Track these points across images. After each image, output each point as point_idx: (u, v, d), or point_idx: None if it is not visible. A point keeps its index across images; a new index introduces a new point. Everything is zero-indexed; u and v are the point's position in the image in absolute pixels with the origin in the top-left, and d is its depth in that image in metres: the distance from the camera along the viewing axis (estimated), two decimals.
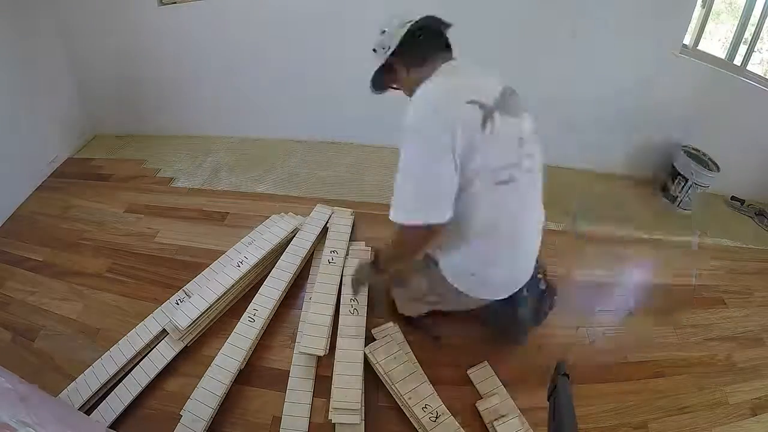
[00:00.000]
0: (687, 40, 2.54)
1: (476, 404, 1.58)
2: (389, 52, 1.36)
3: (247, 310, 1.77)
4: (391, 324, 1.81)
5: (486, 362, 1.72)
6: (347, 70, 2.67)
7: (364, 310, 1.79)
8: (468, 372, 1.69)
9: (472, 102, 1.18)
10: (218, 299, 1.78)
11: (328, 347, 1.66)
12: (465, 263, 1.38)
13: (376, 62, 1.45)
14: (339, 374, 1.58)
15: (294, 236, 2.11)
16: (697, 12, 2.46)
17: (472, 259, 1.37)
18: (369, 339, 1.74)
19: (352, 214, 2.31)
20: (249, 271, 1.90)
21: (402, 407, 1.56)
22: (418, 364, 1.67)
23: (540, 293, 1.60)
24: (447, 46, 1.43)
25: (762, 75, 2.60)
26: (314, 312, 1.77)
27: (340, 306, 1.81)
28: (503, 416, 1.53)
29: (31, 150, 2.58)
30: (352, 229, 2.24)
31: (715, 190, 2.78)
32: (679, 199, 2.65)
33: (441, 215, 1.20)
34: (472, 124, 1.17)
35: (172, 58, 2.73)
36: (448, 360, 1.73)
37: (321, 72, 2.70)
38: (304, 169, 2.76)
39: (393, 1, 2.42)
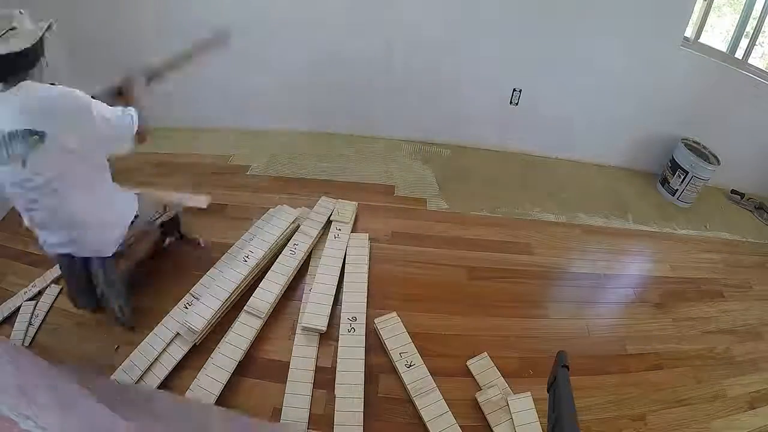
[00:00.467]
0: (688, 32, 2.53)
1: (476, 395, 1.58)
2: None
3: (248, 302, 1.77)
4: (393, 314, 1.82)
5: (486, 353, 1.73)
6: (347, 63, 2.67)
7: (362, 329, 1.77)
8: (468, 363, 1.69)
9: None
10: (228, 297, 1.79)
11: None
12: None
13: None
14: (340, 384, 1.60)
15: (296, 228, 2.12)
16: (699, 5, 2.45)
17: None
18: (369, 338, 1.75)
19: (355, 206, 2.32)
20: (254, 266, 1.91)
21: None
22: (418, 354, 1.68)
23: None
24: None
25: (763, 68, 2.60)
26: (317, 291, 1.81)
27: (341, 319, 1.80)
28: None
29: None
30: (355, 219, 2.26)
31: (715, 184, 2.79)
32: (679, 191, 2.65)
33: None
34: None
35: (171, 52, 2.71)
36: (447, 351, 1.74)
37: (320, 65, 2.69)
38: (304, 160, 2.76)
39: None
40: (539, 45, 2.50)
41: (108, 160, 1.59)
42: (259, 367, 1.66)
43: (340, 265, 1.98)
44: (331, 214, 2.23)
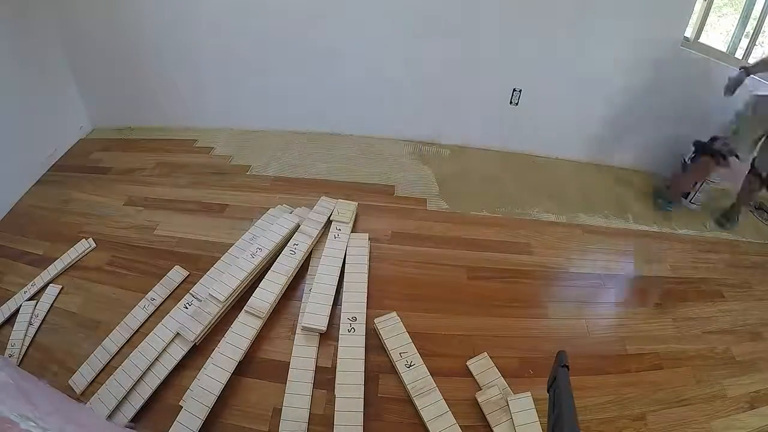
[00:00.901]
0: (688, 32, 2.53)
1: (476, 395, 1.58)
2: None
3: (248, 302, 1.77)
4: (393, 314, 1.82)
5: (486, 353, 1.73)
6: (347, 62, 2.67)
7: (362, 328, 1.78)
8: (467, 363, 1.69)
9: None
10: (227, 298, 1.79)
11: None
12: None
13: None
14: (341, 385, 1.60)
15: (296, 228, 2.12)
16: (699, 5, 2.45)
17: None
18: (369, 338, 1.75)
19: (355, 206, 2.32)
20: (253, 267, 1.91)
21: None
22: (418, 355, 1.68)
23: None
24: None
25: None
26: (317, 291, 1.82)
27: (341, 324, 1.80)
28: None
29: (30, 143, 2.57)
30: (355, 219, 2.26)
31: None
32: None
33: None
34: None
35: (171, 51, 2.71)
36: (447, 351, 1.74)
37: (321, 64, 2.69)
38: (304, 160, 2.76)
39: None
40: (539, 45, 2.50)
41: None
42: (259, 367, 1.67)
43: (340, 265, 1.98)
44: (331, 214, 2.23)
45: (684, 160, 2.57)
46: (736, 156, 2.36)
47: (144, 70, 2.80)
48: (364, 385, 1.56)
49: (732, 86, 2.27)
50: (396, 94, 2.77)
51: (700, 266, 2.29)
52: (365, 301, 1.85)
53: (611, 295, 2.07)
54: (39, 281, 1.96)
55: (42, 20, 2.53)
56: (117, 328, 1.77)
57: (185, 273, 1.99)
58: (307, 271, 2.01)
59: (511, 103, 2.73)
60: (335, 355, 1.68)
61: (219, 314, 1.77)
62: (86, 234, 2.20)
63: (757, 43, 2.57)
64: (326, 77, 2.74)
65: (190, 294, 1.86)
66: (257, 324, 1.73)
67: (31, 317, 1.82)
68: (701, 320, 2.00)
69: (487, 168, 2.80)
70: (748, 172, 2.43)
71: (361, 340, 1.70)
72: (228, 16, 2.55)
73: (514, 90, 2.69)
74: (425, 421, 1.48)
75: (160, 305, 1.86)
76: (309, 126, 2.99)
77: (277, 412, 1.52)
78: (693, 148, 2.54)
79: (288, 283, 1.91)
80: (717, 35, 2.76)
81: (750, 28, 2.55)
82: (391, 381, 1.64)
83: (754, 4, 2.49)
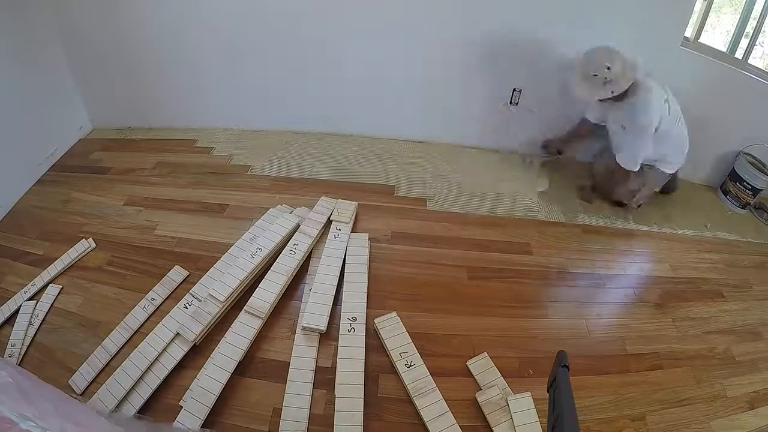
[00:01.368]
0: (688, 32, 2.53)
1: (476, 395, 1.58)
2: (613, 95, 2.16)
3: (248, 302, 1.77)
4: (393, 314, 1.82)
5: (486, 353, 1.73)
6: (348, 62, 2.67)
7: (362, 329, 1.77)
8: (468, 363, 1.69)
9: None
10: (227, 298, 1.79)
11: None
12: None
13: (594, 88, 2.17)
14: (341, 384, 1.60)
15: (296, 228, 2.12)
16: (699, 5, 2.45)
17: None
18: (369, 338, 1.75)
19: (355, 206, 2.32)
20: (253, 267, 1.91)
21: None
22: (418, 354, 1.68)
23: None
24: None
25: (763, 68, 2.60)
26: (317, 291, 1.82)
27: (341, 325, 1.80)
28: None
29: (30, 143, 2.57)
30: (355, 219, 2.27)
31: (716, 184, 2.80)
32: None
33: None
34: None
35: (171, 51, 2.71)
36: (447, 351, 1.74)
37: (321, 64, 2.69)
38: (304, 160, 2.76)
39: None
40: (539, 45, 2.50)
41: None
42: (259, 367, 1.67)
43: (340, 265, 1.98)
44: (331, 214, 2.23)
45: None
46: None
47: (144, 70, 2.79)
48: (364, 385, 1.56)
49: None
50: (396, 94, 2.77)
51: (700, 266, 2.29)
52: (365, 301, 1.85)
53: (611, 295, 2.07)
54: (39, 281, 1.96)
55: (42, 20, 2.53)
56: (117, 328, 1.77)
57: (185, 273, 1.99)
58: (307, 271, 2.01)
59: (511, 103, 2.73)
60: (335, 355, 1.68)
61: (219, 314, 1.77)
62: (86, 234, 2.20)
63: (757, 43, 2.57)
64: (326, 77, 2.74)
65: (190, 294, 1.86)
66: (257, 324, 1.73)
67: (31, 317, 1.82)
68: (701, 320, 2.00)
69: (487, 168, 2.79)
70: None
71: (361, 340, 1.70)
72: (228, 15, 2.55)
73: (514, 90, 2.68)
74: (425, 421, 1.48)
75: (160, 305, 1.86)
76: (309, 126, 2.99)
77: (277, 412, 1.52)
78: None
79: (288, 283, 1.91)
80: (717, 35, 2.76)
81: (750, 28, 2.55)
82: (391, 381, 1.64)
83: (754, 4, 2.49)
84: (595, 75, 2.13)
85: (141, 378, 1.58)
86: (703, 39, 2.59)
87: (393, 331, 1.76)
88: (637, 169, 2.31)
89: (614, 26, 2.38)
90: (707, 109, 2.56)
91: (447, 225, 2.33)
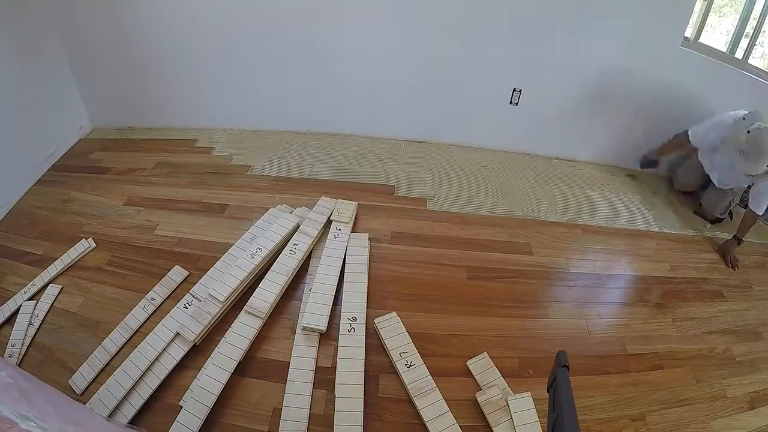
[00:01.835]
0: (688, 32, 2.53)
1: (476, 395, 1.58)
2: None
3: (248, 302, 1.77)
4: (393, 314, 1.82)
5: (486, 353, 1.73)
6: (347, 62, 2.67)
7: (362, 328, 1.77)
8: (467, 363, 1.69)
9: None
10: (227, 298, 1.79)
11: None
12: None
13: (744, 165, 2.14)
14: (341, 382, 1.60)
15: (296, 228, 2.12)
16: (699, 5, 2.45)
17: None
18: (369, 338, 1.75)
19: (355, 206, 2.32)
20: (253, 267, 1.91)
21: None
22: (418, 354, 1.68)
23: None
24: None
25: (763, 68, 2.60)
26: (317, 291, 1.83)
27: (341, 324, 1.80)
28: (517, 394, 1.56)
29: (30, 143, 2.57)
30: (355, 219, 2.27)
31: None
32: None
33: None
34: None
35: (171, 51, 2.71)
36: (447, 351, 1.74)
37: (321, 64, 2.69)
38: (304, 160, 2.76)
39: None
40: (539, 45, 2.50)
41: None
42: (259, 367, 1.67)
43: (340, 265, 1.98)
44: (331, 214, 2.23)
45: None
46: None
47: (144, 70, 2.79)
48: (364, 385, 1.56)
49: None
50: (396, 94, 2.77)
51: (700, 266, 2.29)
52: (365, 301, 1.85)
53: (611, 295, 2.07)
54: (39, 281, 1.96)
55: (42, 20, 2.52)
56: (117, 328, 1.77)
57: (185, 273, 1.99)
58: (307, 271, 2.01)
59: (511, 103, 2.73)
60: (335, 355, 1.68)
61: (219, 314, 1.77)
62: (86, 234, 2.20)
63: (757, 43, 2.57)
64: (326, 77, 2.74)
65: (190, 294, 1.86)
66: (257, 324, 1.73)
67: (31, 317, 1.82)
68: (701, 320, 2.00)
69: (487, 168, 2.80)
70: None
71: (361, 340, 1.70)
72: (228, 15, 2.55)
73: (514, 90, 2.69)
74: (425, 421, 1.48)
75: (160, 305, 1.86)
76: (309, 126, 3.00)
77: (277, 412, 1.52)
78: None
79: (288, 283, 1.91)
80: (717, 35, 2.76)
81: (750, 28, 2.55)
82: (391, 381, 1.64)
83: (754, 4, 2.49)
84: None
85: (141, 378, 1.58)
86: (703, 39, 2.59)
87: (393, 331, 1.76)
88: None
89: (615, 26, 2.39)
90: (707, 110, 2.56)
91: (447, 225, 2.33)
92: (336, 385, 1.56)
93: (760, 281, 2.25)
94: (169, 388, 1.59)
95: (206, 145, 2.88)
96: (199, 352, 1.69)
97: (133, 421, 1.49)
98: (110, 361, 1.67)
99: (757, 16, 2.50)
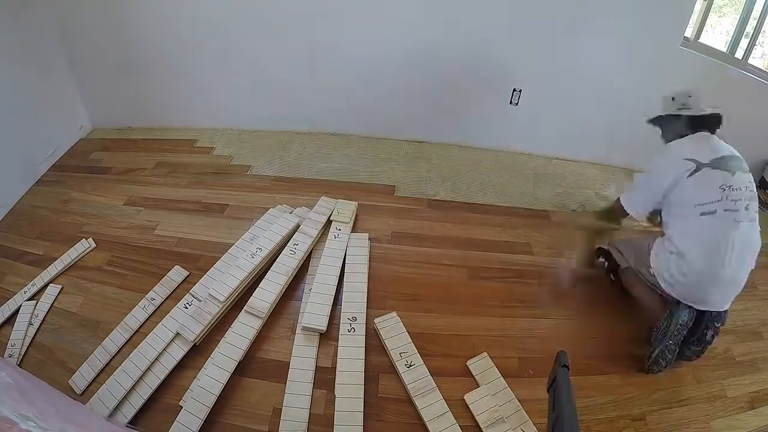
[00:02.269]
0: (688, 32, 2.53)
1: (464, 397, 1.58)
2: (687, 113, 1.79)
3: (248, 302, 1.77)
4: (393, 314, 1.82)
5: (486, 353, 1.72)
6: (347, 62, 2.67)
7: (362, 328, 1.77)
8: (467, 363, 1.69)
9: (689, 159, 1.65)
10: (227, 298, 1.79)
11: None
12: (665, 262, 1.68)
13: (667, 108, 1.87)
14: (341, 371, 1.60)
15: (296, 228, 2.12)
16: (699, 5, 2.45)
17: (671, 261, 1.65)
18: (369, 338, 1.75)
19: (355, 206, 2.32)
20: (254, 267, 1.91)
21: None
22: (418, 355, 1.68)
23: (702, 339, 1.72)
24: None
25: (763, 68, 2.60)
26: (317, 291, 1.83)
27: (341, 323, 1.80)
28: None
29: (30, 143, 2.57)
30: (355, 219, 2.27)
31: None
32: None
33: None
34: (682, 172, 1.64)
35: (171, 51, 2.71)
36: (447, 351, 1.74)
37: (321, 64, 2.69)
38: (304, 160, 2.76)
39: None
40: (539, 45, 2.50)
41: None
42: (259, 367, 1.67)
43: (340, 265, 1.98)
44: (330, 214, 2.23)
45: None
46: None
47: (144, 70, 2.79)
48: (364, 385, 1.57)
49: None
50: (396, 94, 2.77)
51: None
52: (365, 301, 1.85)
53: (611, 295, 2.07)
54: (39, 281, 1.96)
55: (42, 20, 2.53)
56: (117, 328, 1.77)
57: (185, 273, 1.99)
58: (307, 271, 2.01)
59: (511, 103, 2.73)
60: (335, 355, 1.68)
61: (219, 314, 1.77)
62: (86, 234, 2.20)
63: (757, 43, 2.57)
64: (326, 77, 2.74)
65: (190, 294, 1.86)
66: (257, 324, 1.73)
67: (31, 317, 1.82)
68: None
69: (487, 168, 2.79)
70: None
71: (361, 340, 1.70)
72: (228, 15, 2.55)
73: (514, 90, 2.69)
74: (425, 421, 1.48)
75: (160, 305, 1.86)
76: (309, 126, 3.00)
77: (277, 412, 1.52)
78: None
79: (288, 283, 1.91)
80: (717, 35, 2.76)
81: (750, 28, 2.55)
82: (391, 381, 1.64)
83: (754, 4, 2.49)
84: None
85: (141, 378, 1.57)
86: (703, 39, 2.59)
87: (393, 331, 1.76)
88: (633, 214, 1.87)
89: (615, 26, 2.38)
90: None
91: (447, 225, 2.33)
92: (336, 385, 1.56)
93: (761, 281, 2.24)
94: (169, 388, 1.59)
95: (206, 145, 2.88)
96: (199, 352, 1.69)
97: (133, 421, 1.49)
98: (110, 361, 1.67)
99: (757, 16, 2.50)
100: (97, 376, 1.62)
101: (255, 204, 2.38)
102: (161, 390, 1.58)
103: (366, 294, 1.88)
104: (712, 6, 2.50)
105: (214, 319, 1.75)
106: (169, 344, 1.67)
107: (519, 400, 1.58)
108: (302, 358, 1.67)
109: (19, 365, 1.66)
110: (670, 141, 1.83)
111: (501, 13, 2.42)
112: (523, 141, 2.91)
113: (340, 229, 2.15)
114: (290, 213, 2.25)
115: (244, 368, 1.63)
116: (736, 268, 1.57)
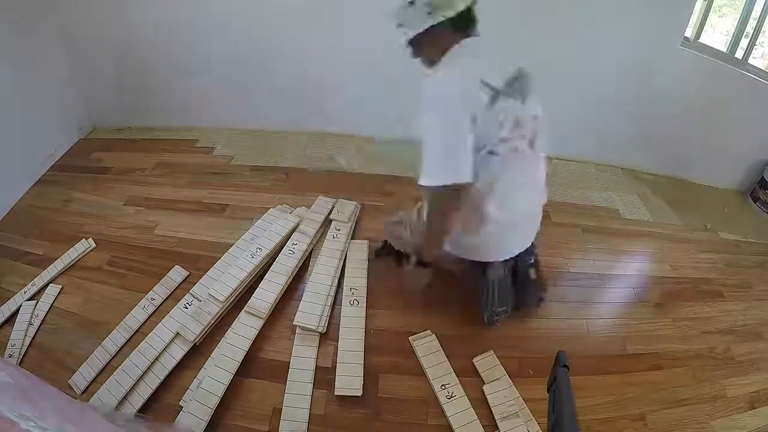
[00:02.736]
0: (688, 32, 2.53)
1: (483, 388, 1.59)
2: (440, 19, 1.43)
3: (249, 302, 1.78)
4: None
5: (492, 351, 1.72)
6: (348, 62, 2.67)
7: (363, 301, 1.80)
8: (474, 360, 1.70)
9: (484, 84, 1.35)
10: (227, 298, 1.79)
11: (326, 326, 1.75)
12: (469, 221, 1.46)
13: (417, 21, 1.49)
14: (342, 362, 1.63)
15: (296, 228, 2.12)
16: (699, 5, 2.45)
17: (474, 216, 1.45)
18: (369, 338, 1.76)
19: (356, 206, 2.33)
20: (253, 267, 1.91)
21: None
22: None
23: (527, 280, 1.68)
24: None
25: (763, 68, 2.60)
26: (311, 290, 1.84)
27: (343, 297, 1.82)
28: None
29: (30, 143, 2.57)
30: (356, 220, 2.28)
31: (717, 184, 2.80)
32: None
33: (463, 176, 1.29)
34: (480, 103, 1.32)
35: (171, 51, 2.71)
36: (449, 351, 1.74)
37: (321, 64, 2.69)
38: (303, 160, 2.76)
39: None
40: (539, 45, 2.49)
41: None
42: (259, 367, 1.67)
43: (339, 266, 1.98)
44: (330, 213, 2.23)
45: None
46: None
47: (144, 70, 2.79)
48: (364, 385, 1.57)
49: None
50: (396, 94, 2.76)
51: (700, 266, 2.28)
52: (365, 302, 1.85)
53: (611, 295, 2.07)
54: (39, 281, 1.96)
55: (42, 20, 2.52)
56: (117, 328, 1.77)
57: (185, 273, 1.99)
58: (308, 270, 2.01)
59: None
60: (335, 355, 1.68)
61: (219, 314, 1.77)
62: (86, 234, 2.20)
63: (757, 43, 2.57)
64: (326, 77, 2.73)
65: (190, 294, 1.86)
66: (258, 324, 1.73)
67: (31, 317, 1.81)
68: (701, 320, 2.00)
69: None
70: None
71: (361, 343, 1.71)
72: (228, 15, 2.55)
73: None
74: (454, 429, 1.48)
75: (160, 305, 1.86)
76: (309, 126, 2.99)
77: (277, 412, 1.52)
78: None
79: (288, 283, 1.91)
80: (717, 35, 2.76)
81: (750, 28, 2.55)
82: (391, 381, 1.64)
83: (754, 4, 2.49)
84: None
85: (141, 378, 1.57)
86: (703, 39, 2.59)
87: (429, 350, 1.72)
88: (436, 185, 1.31)
89: (614, 26, 2.38)
90: (707, 110, 2.56)
91: None
92: (336, 386, 1.56)
93: (760, 281, 2.24)
94: (169, 388, 1.59)
95: (206, 145, 2.88)
96: (199, 352, 1.69)
97: None
98: (110, 361, 1.67)
99: (757, 16, 2.50)
100: (97, 376, 1.62)
101: (255, 204, 2.38)
102: (161, 390, 1.58)
103: (366, 294, 1.89)
104: (712, 6, 2.50)
105: (214, 319, 1.75)
106: (169, 344, 1.67)
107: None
108: (302, 358, 1.67)
109: (18, 365, 1.66)
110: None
111: (501, 13, 2.41)
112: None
113: (339, 229, 2.15)
114: (290, 213, 2.25)
115: (244, 368, 1.63)
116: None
